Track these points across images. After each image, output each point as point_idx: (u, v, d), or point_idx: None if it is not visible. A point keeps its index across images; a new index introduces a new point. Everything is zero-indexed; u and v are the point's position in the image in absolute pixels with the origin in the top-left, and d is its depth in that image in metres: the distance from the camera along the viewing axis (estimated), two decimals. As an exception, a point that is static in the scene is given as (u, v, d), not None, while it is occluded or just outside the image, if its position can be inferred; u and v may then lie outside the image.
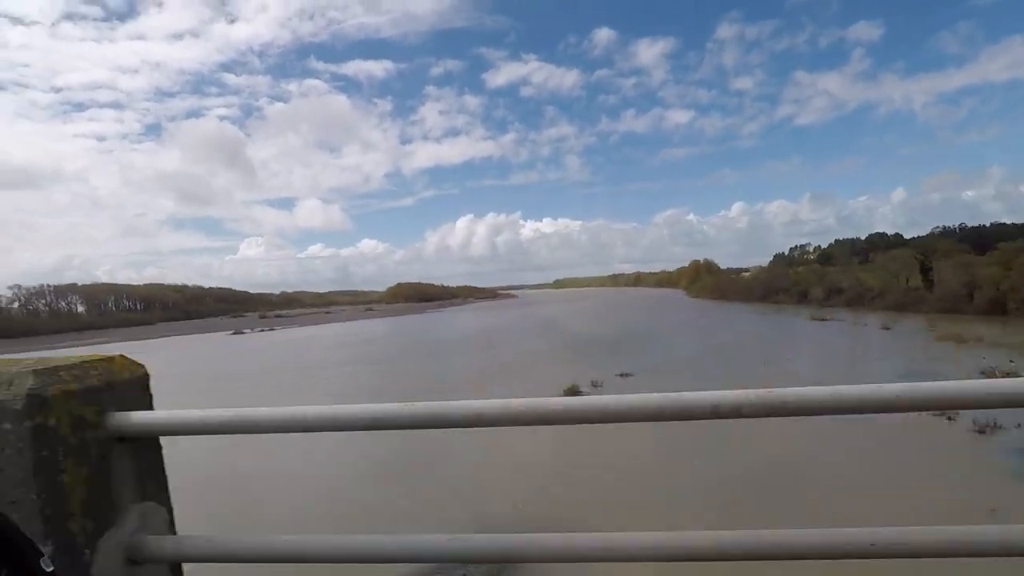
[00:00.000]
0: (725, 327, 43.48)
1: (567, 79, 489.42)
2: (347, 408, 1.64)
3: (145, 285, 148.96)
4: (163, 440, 1.82)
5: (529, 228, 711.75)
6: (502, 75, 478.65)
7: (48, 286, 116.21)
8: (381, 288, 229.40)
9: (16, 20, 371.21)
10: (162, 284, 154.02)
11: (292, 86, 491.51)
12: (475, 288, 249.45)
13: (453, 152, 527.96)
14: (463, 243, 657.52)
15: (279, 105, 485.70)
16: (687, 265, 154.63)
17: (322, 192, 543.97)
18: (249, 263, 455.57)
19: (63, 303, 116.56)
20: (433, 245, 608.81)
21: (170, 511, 1.84)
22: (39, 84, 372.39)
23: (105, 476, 1.62)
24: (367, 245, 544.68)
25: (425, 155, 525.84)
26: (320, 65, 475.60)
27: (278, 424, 1.64)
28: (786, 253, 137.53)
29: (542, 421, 1.51)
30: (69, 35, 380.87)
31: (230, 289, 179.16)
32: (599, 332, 41.90)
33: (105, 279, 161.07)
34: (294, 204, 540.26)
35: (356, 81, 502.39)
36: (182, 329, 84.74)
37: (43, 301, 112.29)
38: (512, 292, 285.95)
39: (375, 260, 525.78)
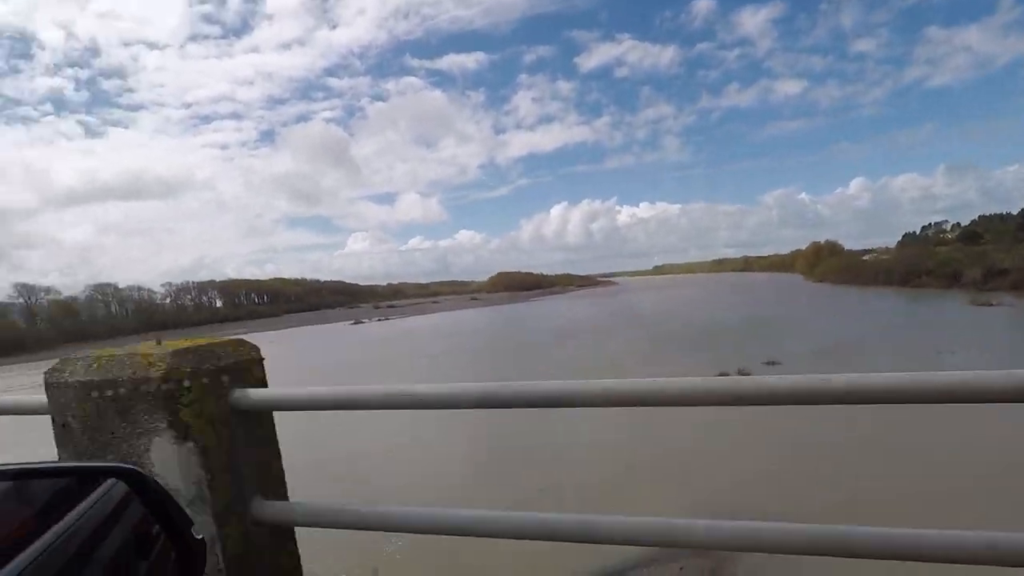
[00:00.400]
0: (869, 312, 39.69)
1: (664, 56, 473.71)
2: (456, 386, 1.71)
3: (269, 280, 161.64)
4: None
5: (625, 213, 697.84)
6: (595, 58, 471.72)
7: (192, 283, 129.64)
8: (479, 278, 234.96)
9: (152, 45, 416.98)
10: (284, 279, 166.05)
11: (390, 84, 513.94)
12: (574, 276, 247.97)
13: (546, 139, 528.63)
14: (558, 231, 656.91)
15: (379, 104, 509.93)
16: (803, 248, 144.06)
17: (420, 186, 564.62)
18: (356, 257, 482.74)
19: (204, 298, 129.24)
20: (528, 234, 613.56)
21: (283, 479, 2.04)
22: (172, 102, 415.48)
23: (228, 446, 1.80)
24: (464, 236, 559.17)
25: (518, 144, 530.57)
26: (415, 62, 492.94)
27: (380, 400, 1.76)
28: (917, 232, 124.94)
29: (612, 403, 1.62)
30: (195, 54, 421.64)
31: (342, 282, 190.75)
32: (726, 319, 39.37)
33: (232, 275, 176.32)
34: (395, 199, 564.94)
35: (450, 75, 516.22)
36: (307, 320, 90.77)
37: (188, 296, 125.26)
38: (611, 279, 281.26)
39: (472, 250, 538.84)
